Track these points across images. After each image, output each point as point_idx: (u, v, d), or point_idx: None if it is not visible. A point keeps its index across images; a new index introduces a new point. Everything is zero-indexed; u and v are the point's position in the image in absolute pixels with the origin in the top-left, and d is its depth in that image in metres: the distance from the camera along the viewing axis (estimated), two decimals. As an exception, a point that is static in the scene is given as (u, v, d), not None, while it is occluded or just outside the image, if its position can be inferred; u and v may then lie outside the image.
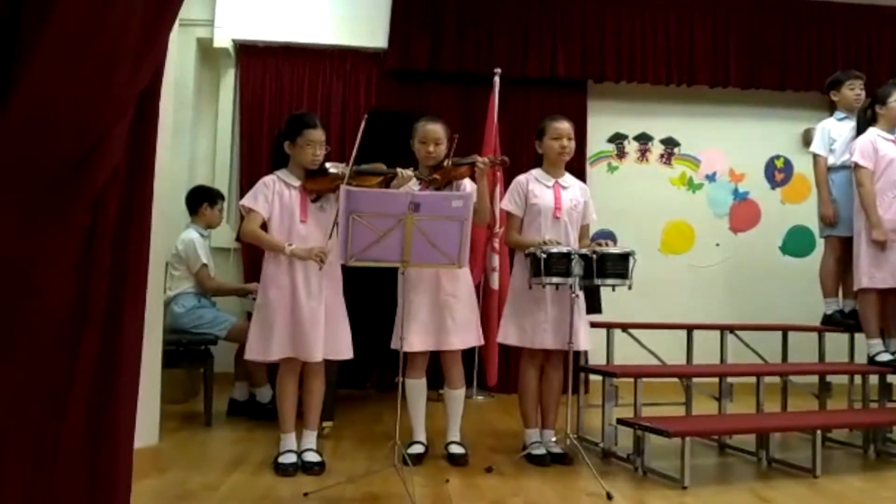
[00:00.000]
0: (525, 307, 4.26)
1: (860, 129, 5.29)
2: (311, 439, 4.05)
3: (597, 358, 4.99)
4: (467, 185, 4.24)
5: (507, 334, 4.34)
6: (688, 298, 7.22)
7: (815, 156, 5.60)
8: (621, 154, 7.56)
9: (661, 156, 7.59)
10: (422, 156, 4.24)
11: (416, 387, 4.25)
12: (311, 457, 3.97)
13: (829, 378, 5.06)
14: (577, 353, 4.28)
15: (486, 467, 4.06)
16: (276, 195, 3.99)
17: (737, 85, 7.32)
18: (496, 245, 6.08)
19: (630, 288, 4.03)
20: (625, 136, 7.57)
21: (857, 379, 5.20)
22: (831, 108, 5.70)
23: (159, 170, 2.30)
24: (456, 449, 4.24)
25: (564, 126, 4.35)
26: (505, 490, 3.72)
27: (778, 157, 7.67)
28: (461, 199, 3.60)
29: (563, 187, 4.39)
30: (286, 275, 3.92)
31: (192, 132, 6.98)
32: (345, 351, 4.03)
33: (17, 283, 1.88)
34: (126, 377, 2.10)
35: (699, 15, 7.29)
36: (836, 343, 5.46)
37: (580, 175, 5.64)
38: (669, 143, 7.60)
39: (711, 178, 7.61)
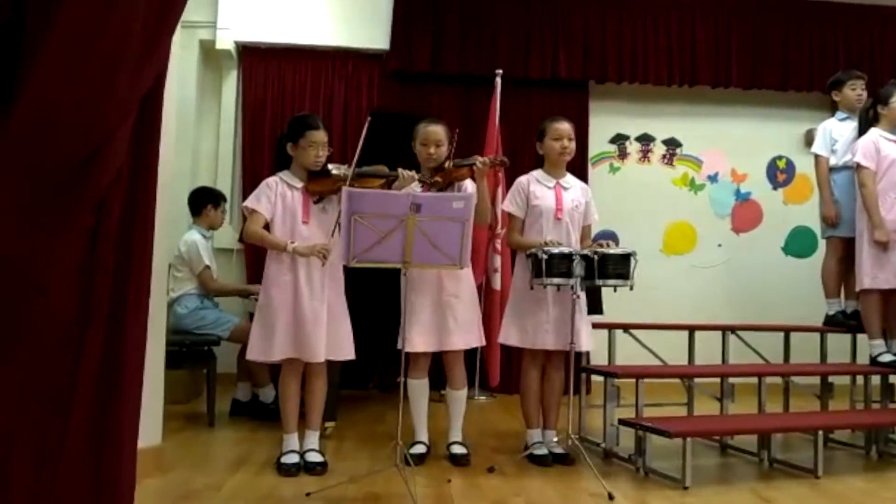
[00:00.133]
0: (526, 308, 4.27)
1: (862, 130, 5.28)
2: (313, 439, 4.06)
3: (598, 358, 4.99)
4: (469, 186, 4.25)
5: (509, 335, 4.35)
6: (689, 299, 7.22)
7: (817, 156, 5.59)
8: (623, 155, 7.56)
9: (663, 156, 7.59)
10: (423, 158, 4.26)
11: (419, 387, 4.26)
12: (314, 457, 3.98)
13: (830, 379, 5.05)
14: (578, 354, 4.29)
15: (487, 467, 4.07)
16: (278, 196, 4.00)
17: (739, 85, 7.32)
18: (498, 246, 6.09)
19: (631, 288, 4.04)
20: (627, 137, 7.57)
21: (860, 380, 5.21)
22: (833, 109, 5.70)
23: (162, 171, 2.30)
24: (458, 449, 4.25)
25: (565, 127, 4.36)
26: (507, 490, 3.73)
27: (780, 157, 7.67)
28: (462, 199, 3.61)
29: (565, 188, 4.39)
30: (288, 275, 3.93)
31: (195, 133, 6.98)
32: (346, 351, 4.04)
33: (21, 283, 1.89)
34: (129, 378, 2.11)
35: (701, 15, 7.29)
36: (838, 344, 5.46)
37: (582, 176, 5.64)
38: (671, 144, 7.60)
39: (713, 178, 7.61)
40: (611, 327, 4.96)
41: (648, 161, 7.58)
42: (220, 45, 6.94)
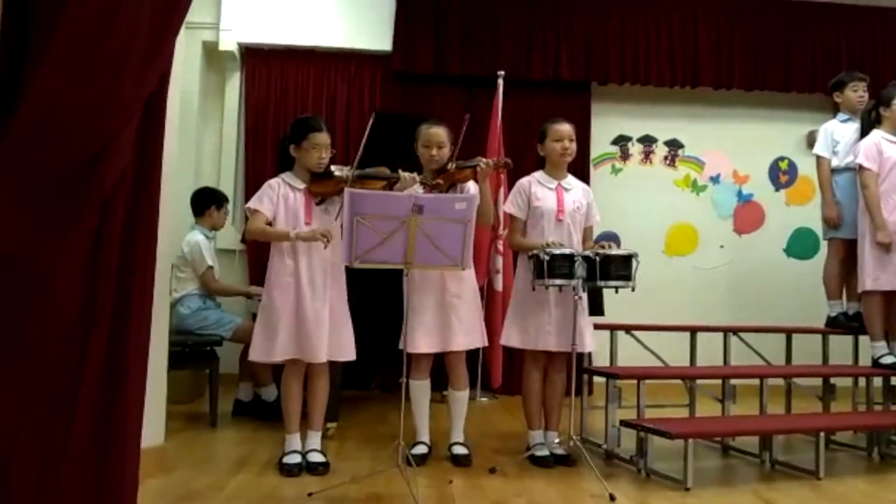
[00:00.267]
0: (528, 309, 4.27)
1: (864, 131, 5.27)
2: (315, 440, 4.07)
3: (600, 360, 5.00)
4: (471, 187, 4.26)
5: (511, 336, 4.35)
6: (691, 300, 7.21)
7: (819, 158, 5.59)
8: (625, 156, 7.56)
9: (665, 158, 7.59)
10: (425, 159, 4.27)
11: (420, 388, 4.26)
12: (316, 457, 3.99)
13: (832, 380, 5.05)
14: (580, 355, 4.29)
15: (489, 468, 4.07)
16: (281, 198, 4.01)
17: (741, 86, 7.31)
18: (500, 247, 6.10)
19: (633, 290, 4.04)
20: (629, 138, 7.57)
21: (861, 381, 5.21)
22: (835, 110, 5.69)
23: (165, 172, 2.31)
24: (459, 450, 4.26)
25: (566, 128, 4.37)
26: (508, 491, 3.73)
27: (782, 158, 7.67)
28: (464, 201, 3.62)
29: (566, 189, 4.40)
30: (291, 276, 3.94)
31: (198, 134, 6.99)
32: (348, 352, 4.04)
33: (25, 284, 1.90)
34: (133, 378, 2.12)
35: (703, 16, 7.28)
36: (840, 345, 5.45)
37: (584, 177, 5.65)
38: (673, 145, 7.59)
39: (715, 179, 7.61)
40: (612, 328, 4.97)
41: (650, 162, 7.58)
42: (223, 47, 6.94)
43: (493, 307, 5.86)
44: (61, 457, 1.97)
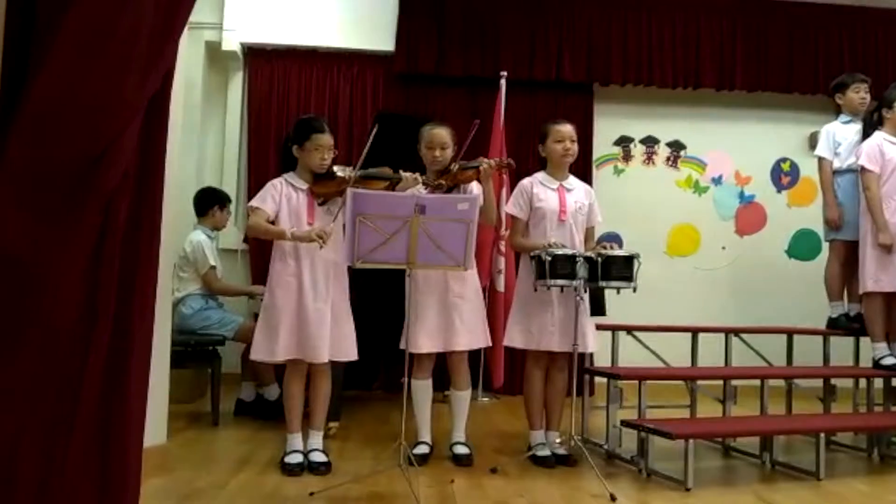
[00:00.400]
0: (531, 310, 4.28)
1: (866, 133, 5.27)
2: (317, 439, 4.08)
3: (602, 360, 5.01)
4: (474, 187, 4.27)
5: (514, 337, 4.36)
6: (693, 301, 7.22)
7: (820, 159, 5.59)
8: (627, 157, 7.57)
9: (668, 159, 7.60)
10: (428, 160, 4.28)
11: (422, 387, 4.27)
12: (318, 457, 4.00)
13: (833, 381, 5.05)
14: (582, 355, 4.30)
15: (490, 468, 4.08)
16: (283, 198, 4.02)
17: (743, 88, 7.32)
18: (502, 247, 6.10)
19: (635, 291, 4.05)
20: (631, 139, 7.58)
21: (862, 382, 5.22)
22: (836, 112, 5.70)
23: (168, 172, 2.32)
24: (461, 450, 4.26)
25: (567, 129, 4.38)
26: (509, 491, 3.74)
27: (784, 160, 7.67)
28: (467, 201, 3.63)
29: (568, 190, 4.41)
30: (293, 276, 3.95)
31: (201, 134, 7.01)
32: (350, 352, 4.05)
33: (29, 283, 1.91)
34: (135, 377, 2.13)
35: (705, 18, 7.29)
36: (841, 346, 5.45)
37: (586, 177, 5.65)
38: (675, 146, 7.60)
39: (717, 181, 7.62)
40: (614, 329, 4.97)
41: (653, 163, 7.59)
42: (225, 47, 6.97)
43: (494, 308, 5.86)
44: (64, 456, 1.98)
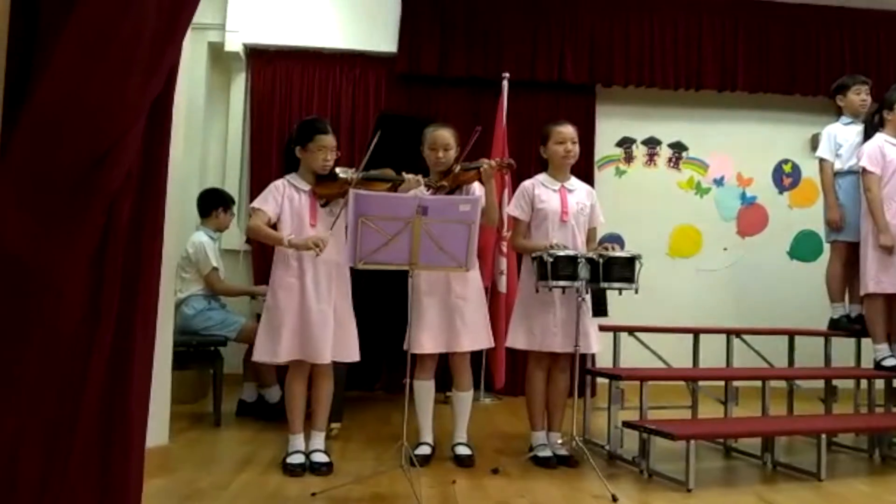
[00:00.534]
0: (534, 311, 4.28)
1: (868, 134, 5.28)
2: (319, 440, 4.09)
3: (603, 361, 5.01)
4: (476, 188, 4.28)
5: (516, 339, 4.35)
6: (695, 302, 7.22)
7: (821, 160, 5.60)
8: (629, 158, 7.57)
9: (669, 160, 7.60)
10: (431, 161, 4.29)
11: (424, 388, 4.27)
12: (319, 457, 4.00)
13: (834, 382, 5.07)
14: (583, 356, 4.30)
15: (492, 469, 4.08)
16: (286, 199, 4.02)
17: (745, 89, 7.33)
18: (503, 249, 6.11)
19: (636, 292, 4.05)
20: (633, 140, 7.58)
21: (864, 383, 5.23)
22: (838, 113, 5.70)
23: (171, 173, 2.32)
24: (463, 450, 4.27)
25: (568, 130, 4.38)
26: (511, 491, 3.75)
27: (786, 161, 7.67)
28: (469, 202, 3.64)
29: (570, 191, 4.41)
30: (295, 277, 3.95)
31: (203, 135, 7.02)
32: (352, 353, 4.06)
33: (32, 283, 1.92)
34: (138, 377, 2.13)
35: (707, 19, 7.30)
36: (843, 347, 5.45)
37: (588, 179, 5.66)
38: (677, 148, 7.61)
39: (719, 182, 7.62)
40: (616, 330, 4.97)
41: (654, 164, 7.59)
42: (228, 48, 6.97)
43: (496, 309, 5.87)
44: (66, 456, 1.98)
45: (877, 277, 5.02)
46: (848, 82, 5.65)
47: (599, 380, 4.85)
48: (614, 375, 4.51)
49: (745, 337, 5.36)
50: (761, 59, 7.31)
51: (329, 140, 4.03)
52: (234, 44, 6.97)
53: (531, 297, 4.24)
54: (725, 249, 7.56)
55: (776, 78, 7.32)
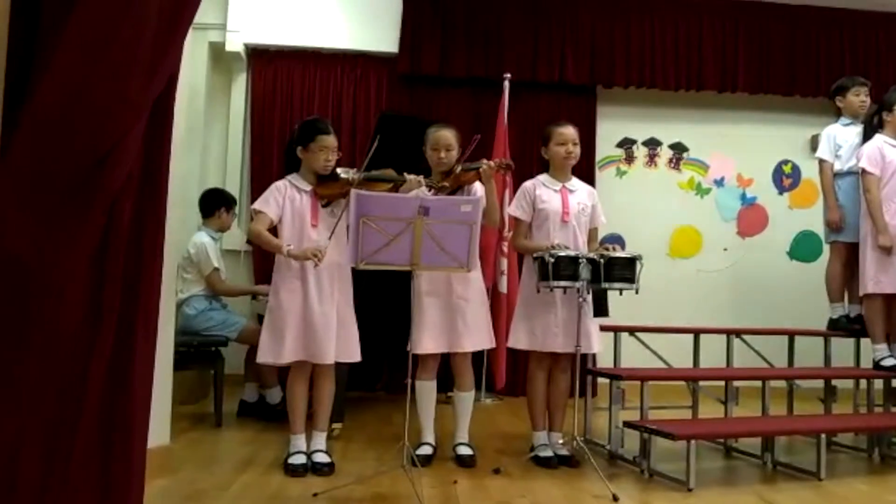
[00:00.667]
0: (535, 311, 4.29)
1: (867, 135, 5.29)
2: (320, 440, 4.09)
3: (604, 361, 5.01)
4: (478, 189, 4.28)
5: (518, 339, 4.36)
6: (695, 302, 7.22)
7: (821, 161, 5.61)
8: (630, 159, 7.58)
9: (670, 160, 7.61)
10: (433, 162, 4.30)
11: (426, 388, 4.28)
12: (321, 457, 4.01)
13: (834, 382, 5.07)
14: (584, 356, 4.30)
15: (493, 469, 4.09)
16: (287, 200, 4.03)
17: (745, 90, 7.33)
18: (505, 249, 6.11)
19: (637, 292, 4.05)
20: (633, 141, 7.59)
21: (863, 383, 5.24)
22: (837, 114, 5.71)
23: (172, 173, 2.33)
24: (464, 450, 4.27)
25: (569, 131, 4.39)
26: (512, 491, 3.75)
27: (786, 162, 7.67)
28: (470, 203, 3.64)
29: (571, 191, 4.41)
30: (297, 279, 3.96)
31: (204, 135, 7.02)
32: (353, 353, 4.06)
33: (33, 283, 1.92)
34: (139, 378, 2.13)
35: (708, 20, 7.31)
36: (842, 348, 5.46)
37: (589, 179, 5.66)
38: (678, 148, 7.61)
39: (719, 182, 7.62)
40: (616, 330, 4.98)
41: (655, 165, 7.60)
42: (229, 48, 6.97)
43: (497, 309, 5.87)
44: (67, 457, 1.98)
45: (876, 278, 5.03)
46: (847, 84, 5.66)
47: (600, 380, 4.85)
48: (615, 375, 4.52)
49: (745, 337, 5.37)
50: (761, 61, 7.31)
51: (330, 140, 4.03)
52: (235, 44, 6.97)
53: (532, 297, 4.25)
54: (725, 250, 7.56)
55: (776, 79, 7.32)
